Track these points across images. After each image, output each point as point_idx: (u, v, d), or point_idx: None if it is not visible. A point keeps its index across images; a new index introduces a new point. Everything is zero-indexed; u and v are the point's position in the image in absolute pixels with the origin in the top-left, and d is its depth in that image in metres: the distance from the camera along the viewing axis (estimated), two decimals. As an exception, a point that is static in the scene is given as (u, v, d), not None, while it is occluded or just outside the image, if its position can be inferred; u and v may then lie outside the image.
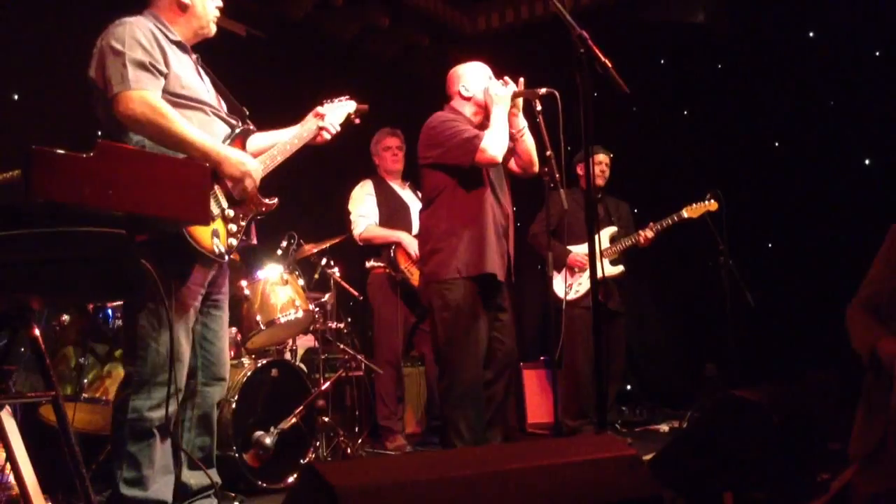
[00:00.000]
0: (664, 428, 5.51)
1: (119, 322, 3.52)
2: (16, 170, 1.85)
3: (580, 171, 5.38)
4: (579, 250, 5.24)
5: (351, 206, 5.13)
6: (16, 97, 4.52)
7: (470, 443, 3.45)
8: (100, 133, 2.86)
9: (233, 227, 2.90)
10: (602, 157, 5.44)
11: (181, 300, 2.77)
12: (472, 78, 3.77)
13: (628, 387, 6.63)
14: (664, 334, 6.81)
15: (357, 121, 3.45)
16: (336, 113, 3.33)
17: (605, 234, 5.35)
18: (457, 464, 1.72)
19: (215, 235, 2.80)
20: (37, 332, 2.05)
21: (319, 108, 3.30)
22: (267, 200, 3.02)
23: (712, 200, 5.17)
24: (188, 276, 2.79)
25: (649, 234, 5.25)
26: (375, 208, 5.06)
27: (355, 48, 6.64)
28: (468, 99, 3.75)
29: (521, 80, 3.65)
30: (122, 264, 1.93)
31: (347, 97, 3.42)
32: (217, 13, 3.04)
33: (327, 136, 3.26)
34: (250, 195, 2.94)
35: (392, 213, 5.05)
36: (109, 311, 3.59)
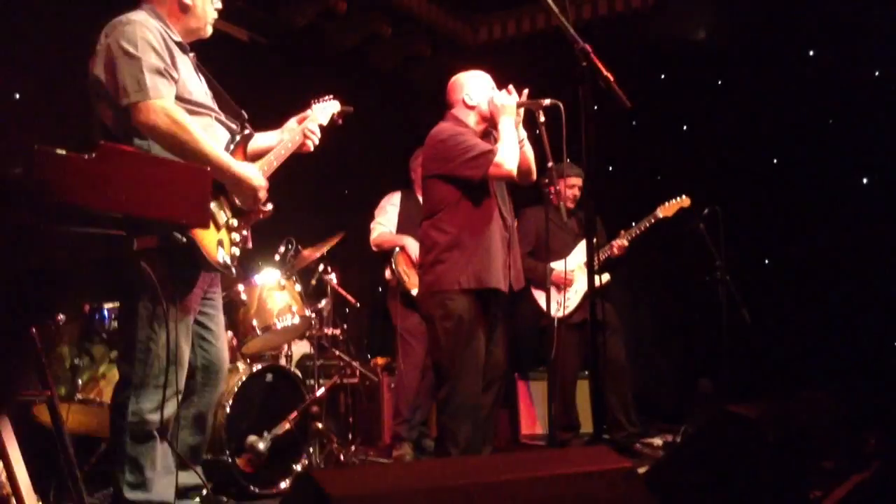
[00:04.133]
0: (658, 441, 5.50)
1: (115, 323, 3.50)
2: (17, 169, 1.85)
3: (551, 189, 5.27)
4: (559, 268, 5.07)
5: (376, 214, 5.20)
6: (17, 97, 4.52)
7: (466, 452, 3.44)
8: (105, 129, 2.82)
9: (236, 237, 2.90)
10: (575, 181, 5.21)
11: (184, 304, 2.77)
12: (476, 87, 3.75)
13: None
14: (659, 348, 6.80)
15: (340, 122, 3.40)
16: (322, 114, 3.31)
17: (581, 249, 5.15)
18: (452, 473, 1.72)
19: (220, 245, 2.80)
20: (33, 331, 2.05)
21: (307, 120, 3.25)
22: (264, 208, 2.99)
23: (684, 196, 5.18)
24: (195, 283, 2.81)
25: (623, 242, 5.20)
26: (395, 218, 5.12)
27: (357, 57, 6.64)
28: (472, 108, 3.73)
29: (526, 91, 3.65)
30: (120, 266, 1.93)
31: (332, 97, 3.39)
32: (215, 15, 3.01)
33: (310, 146, 3.20)
34: (255, 207, 2.94)
35: (413, 224, 5.09)
36: (105, 312, 3.58)
